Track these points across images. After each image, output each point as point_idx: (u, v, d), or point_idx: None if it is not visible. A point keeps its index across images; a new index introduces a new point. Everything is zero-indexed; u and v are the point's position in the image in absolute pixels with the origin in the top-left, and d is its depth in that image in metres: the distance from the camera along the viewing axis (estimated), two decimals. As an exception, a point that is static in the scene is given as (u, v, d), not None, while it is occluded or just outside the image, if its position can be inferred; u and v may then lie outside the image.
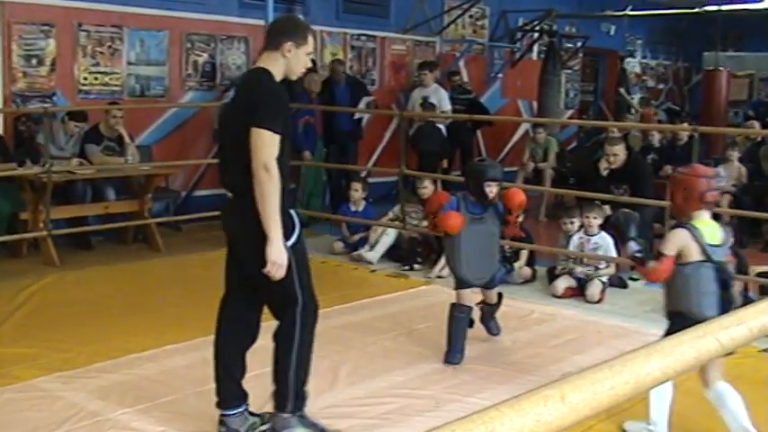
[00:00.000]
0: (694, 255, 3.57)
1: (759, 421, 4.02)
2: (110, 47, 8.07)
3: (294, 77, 3.63)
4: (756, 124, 10.48)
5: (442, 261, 6.92)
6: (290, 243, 3.43)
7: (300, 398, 3.61)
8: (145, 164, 7.84)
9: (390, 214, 7.74)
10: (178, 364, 4.59)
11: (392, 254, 7.36)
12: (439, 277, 6.76)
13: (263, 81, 3.49)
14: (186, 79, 8.70)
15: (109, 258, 7.09)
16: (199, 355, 4.69)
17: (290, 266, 3.44)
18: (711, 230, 3.62)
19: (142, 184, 7.71)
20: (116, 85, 8.15)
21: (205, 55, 8.81)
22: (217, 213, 8.02)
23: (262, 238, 3.40)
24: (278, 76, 3.51)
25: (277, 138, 3.36)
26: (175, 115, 8.65)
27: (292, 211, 3.58)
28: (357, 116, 9.42)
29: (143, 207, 7.55)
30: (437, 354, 4.87)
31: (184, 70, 8.67)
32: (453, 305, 4.92)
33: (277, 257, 3.37)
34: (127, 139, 7.56)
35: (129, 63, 8.22)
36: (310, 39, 3.59)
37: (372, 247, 7.35)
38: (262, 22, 8.26)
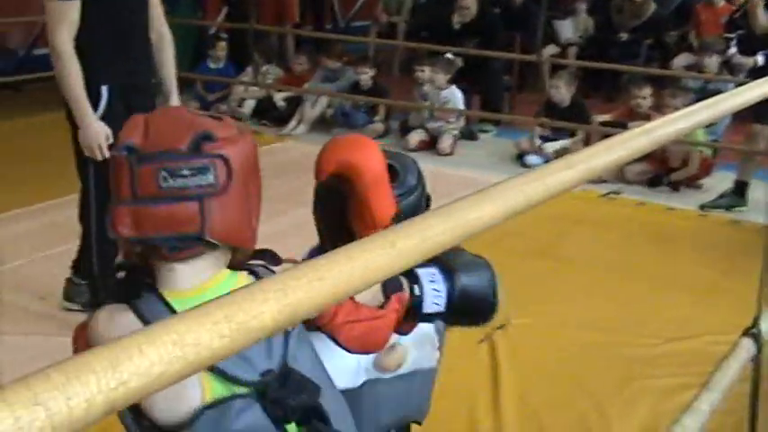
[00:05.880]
0: None
1: (588, 255, 4.33)
2: None
3: None
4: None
5: (295, 118, 6.87)
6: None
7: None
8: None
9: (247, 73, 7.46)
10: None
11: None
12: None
13: None
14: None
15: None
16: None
17: (87, 156, 3.06)
18: None
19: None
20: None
21: None
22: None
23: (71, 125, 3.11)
24: None
25: (70, 6, 2.90)
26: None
27: (105, 87, 3.09)
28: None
29: (-27, 66, 7.02)
30: (293, 209, 4.88)
31: None
32: None
33: (85, 140, 3.01)
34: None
35: None
36: None
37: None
38: None
